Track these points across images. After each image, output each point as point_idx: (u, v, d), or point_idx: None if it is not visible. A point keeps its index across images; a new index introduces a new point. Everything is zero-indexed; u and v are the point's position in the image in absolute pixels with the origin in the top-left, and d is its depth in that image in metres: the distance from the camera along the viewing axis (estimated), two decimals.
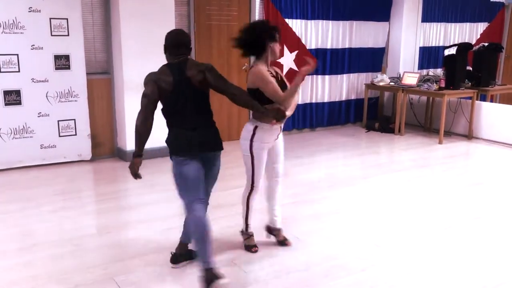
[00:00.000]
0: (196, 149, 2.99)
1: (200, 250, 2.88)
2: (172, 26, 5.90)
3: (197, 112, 3.01)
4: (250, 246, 3.56)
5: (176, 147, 3.01)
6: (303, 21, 7.47)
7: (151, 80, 2.94)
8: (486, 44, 7.67)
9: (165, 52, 3.10)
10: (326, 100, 8.06)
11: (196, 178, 2.98)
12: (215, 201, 4.54)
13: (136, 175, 2.97)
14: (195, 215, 2.93)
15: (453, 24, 9.09)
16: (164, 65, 3.05)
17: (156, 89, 2.92)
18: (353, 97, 8.38)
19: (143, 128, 2.90)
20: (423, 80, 7.65)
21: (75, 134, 5.78)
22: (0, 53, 5.23)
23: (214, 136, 3.12)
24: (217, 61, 6.78)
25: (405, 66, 8.47)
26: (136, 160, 2.94)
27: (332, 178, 5.45)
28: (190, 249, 3.30)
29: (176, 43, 3.05)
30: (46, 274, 3.18)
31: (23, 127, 5.50)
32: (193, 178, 2.97)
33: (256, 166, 3.41)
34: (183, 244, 3.31)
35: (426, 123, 8.09)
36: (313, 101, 7.94)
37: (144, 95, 2.93)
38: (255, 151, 3.39)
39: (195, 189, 2.98)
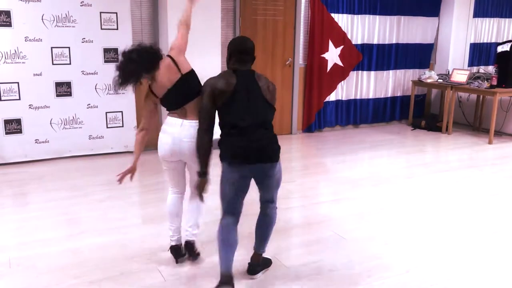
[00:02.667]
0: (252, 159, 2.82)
1: (222, 254, 2.88)
2: (218, 21, 5.96)
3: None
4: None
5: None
6: (349, 15, 7.36)
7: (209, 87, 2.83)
8: None
9: (229, 59, 2.92)
10: (371, 96, 7.93)
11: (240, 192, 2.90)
12: (257, 196, 4.57)
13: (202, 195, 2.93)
14: (223, 223, 2.91)
15: (507, 19, 8.71)
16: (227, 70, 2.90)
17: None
18: (399, 94, 8.20)
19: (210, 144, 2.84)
20: (473, 77, 7.40)
21: (122, 126, 5.93)
22: (53, 46, 5.41)
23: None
24: (262, 56, 6.78)
25: (454, 63, 8.22)
26: (203, 180, 2.86)
27: (375, 176, 5.35)
28: (265, 258, 3.22)
29: (242, 49, 2.89)
30: (93, 261, 3.28)
31: (73, 118, 5.69)
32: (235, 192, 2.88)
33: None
34: (256, 254, 3.17)
35: (475, 122, 7.82)
36: (358, 97, 7.82)
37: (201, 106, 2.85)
38: None
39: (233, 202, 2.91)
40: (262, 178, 2.91)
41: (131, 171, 3.20)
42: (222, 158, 2.84)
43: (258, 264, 3.16)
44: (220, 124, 2.86)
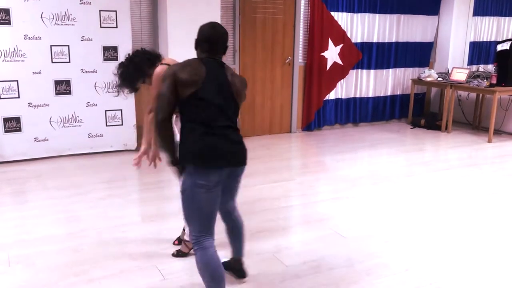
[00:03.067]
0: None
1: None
2: (217, 19, 5.95)
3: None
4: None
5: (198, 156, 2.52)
6: (349, 14, 7.35)
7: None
8: None
9: (196, 48, 2.67)
10: (370, 95, 7.93)
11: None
12: (257, 194, 4.59)
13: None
14: (208, 253, 2.52)
15: (507, 18, 8.70)
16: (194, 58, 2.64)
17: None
18: (398, 92, 8.20)
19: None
20: (473, 76, 7.40)
21: (122, 124, 5.92)
22: (53, 44, 5.40)
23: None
24: (261, 54, 6.78)
25: (454, 61, 8.21)
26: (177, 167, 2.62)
27: (375, 175, 5.35)
28: (243, 268, 3.03)
29: (215, 38, 2.60)
30: (93, 259, 3.28)
31: (72, 116, 5.68)
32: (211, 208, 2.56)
33: None
34: (237, 259, 3.01)
35: (475, 121, 7.82)
36: (357, 96, 7.82)
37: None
38: None
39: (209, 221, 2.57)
40: (233, 183, 2.74)
41: (145, 152, 3.18)
42: (188, 160, 2.49)
43: (242, 264, 3.02)
44: (183, 120, 2.56)
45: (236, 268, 3.03)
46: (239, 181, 2.78)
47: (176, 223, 3.60)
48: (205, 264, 2.51)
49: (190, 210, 2.53)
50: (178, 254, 3.34)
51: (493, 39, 8.63)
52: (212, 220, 2.56)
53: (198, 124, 2.47)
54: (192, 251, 3.22)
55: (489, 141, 6.92)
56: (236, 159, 2.59)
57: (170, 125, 2.52)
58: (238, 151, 2.60)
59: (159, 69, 3.03)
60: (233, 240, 2.97)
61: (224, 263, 2.79)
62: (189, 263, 3.23)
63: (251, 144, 6.58)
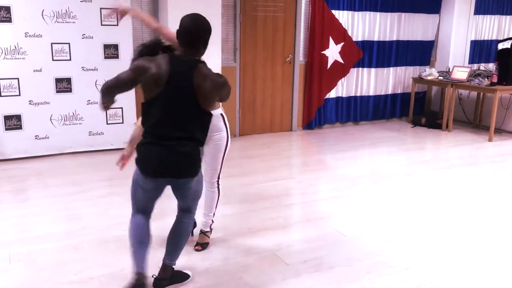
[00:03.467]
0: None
1: (135, 253, 2.67)
2: (218, 17, 5.95)
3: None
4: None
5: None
6: (350, 12, 7.34)
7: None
8: None
9: (177, 38, 2.53)
10: (371, 93, 7.92)
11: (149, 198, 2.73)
12: (258, 193, 4.59)
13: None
14: (135, 221, 2.72)
15: (508, 16, 8.69)
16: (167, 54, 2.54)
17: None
18: (399, 91, 8.20)
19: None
20: (473, 74, 7.39)
21: (122, 122, 5.92)
22: (53, 42, 5.40)
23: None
24: (262, 53, 6.77)
25: (455, 60, 8.20)
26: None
27: (375, 173, 5.35)
28: (181, 272, 2.96)
29: (195, 31, 2.47)
30: (93, 257, 3.28)
31: (73, 114, 5.68)
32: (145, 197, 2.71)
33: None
34: (166, 266, 2.86)
35: (475, 119, 7.81)
36: (358, 94, 7.81)
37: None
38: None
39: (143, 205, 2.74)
40: (178, 190, 2.72)
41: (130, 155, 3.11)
42: (136, 162, 2.61)
43: (167, 278, 2.83)
44: (142, 124, 2.61)
45: (157, 275, 2.82)
46: (185, 191, 2.71)
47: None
48: (130, 229, 2.72)
49: (131, 194, 2.72)
50: (204, 246, 3.41)
51: (494, 37, 8.62)
52: (145, 208, 2.73)
53: (147, 132, 2.55)
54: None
55: (490, 140, 6.91)
56: (171, 172, 2.56)
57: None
58: (176, 163, 2.53)
59: None
60: (168, 242, 2.86)
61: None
62: (189, 261, 3.23)
63: (251, 142, 6.60)
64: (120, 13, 3.33)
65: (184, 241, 2.89)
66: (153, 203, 2.75)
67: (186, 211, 2.85)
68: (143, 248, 2.69)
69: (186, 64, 2.45)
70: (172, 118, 2.48)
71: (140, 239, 2.70)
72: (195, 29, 2.47)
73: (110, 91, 2.56)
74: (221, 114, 3.26)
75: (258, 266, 3.20)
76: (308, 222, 4.01)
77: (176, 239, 2.86)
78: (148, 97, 2.49)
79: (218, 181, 3.38)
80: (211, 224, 3.50)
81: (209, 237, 3.50)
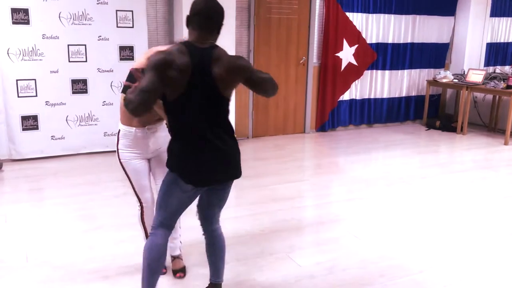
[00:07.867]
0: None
1: (146, 278, 2.43)
2: (232, 20, 5.98)
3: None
4: None
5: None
6: (364, 14, 7.32)
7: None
8: None
9: (188, 25, 2.30)
10: (385, 96, 7.89)
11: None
12: (270, 194, 4.59)
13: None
14: (156, 241, 2.43)
15: None
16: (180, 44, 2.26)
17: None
18: (413, 93, 8.15)
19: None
20: (489, 77, 7.33)
21: None
22: (70, 44, 5.47)
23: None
24: (276, 55, 6.78)
25: (470, 62, 8.13)
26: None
27: (389, 176, 5.33)
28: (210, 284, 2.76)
29: (208, 12, 2.25)
30: (108, 256, 3.32)
31: (89, 114, 5.75)
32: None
33: (133, 178, 2.95)
34: (214, 285, 2.73)
35: (491, 123, 7.74)
36: (372, 96, 7.78)
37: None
38: (123, 161, 2.90)
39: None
40: (216, 193, 2.48)
41: None
42: (173, 168, 2.34)
43: None
44: (169, 125, 2.36)
45: None
46: (224, 194, 2.50)
47: (192, 221, 3.61)
48: (148, 250, 2.41)
49: (161, 199, 2.42)
50: (184, 271, 3.13)
51: (510, 40, 8.54)
52: (173, 218, 2.45)
53: (182, 133, 2.28)
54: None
55: (506, 143, 6.84)
56: (226, 176, 2.38)
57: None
58: (229, 165, 2.36)
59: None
60: (211, 261, 2.68)
61: None
62: (202, 262, 3.25)
63: (264, 144, 6.61)
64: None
65: (225, 253, 2.69)
66: (182, 212, 2.48)
67: (215, 218, 2.60)
68: (156, 277, 2.46)
69: (203, 51, 2.24)
70: (206, 113, 2.24)
71: (155, 269, 2.43)
72: (209, 11, 2.25)
73: (143, 104, 2.09)
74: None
75: (271, 268, 3.21)
76: (321, 224, 4.01)
77: (222, 253, 2.66)
78: (175, 95, 2.20)
79: None
80: (180, 246, 3.20)
81: (182, 259, 3.18)
